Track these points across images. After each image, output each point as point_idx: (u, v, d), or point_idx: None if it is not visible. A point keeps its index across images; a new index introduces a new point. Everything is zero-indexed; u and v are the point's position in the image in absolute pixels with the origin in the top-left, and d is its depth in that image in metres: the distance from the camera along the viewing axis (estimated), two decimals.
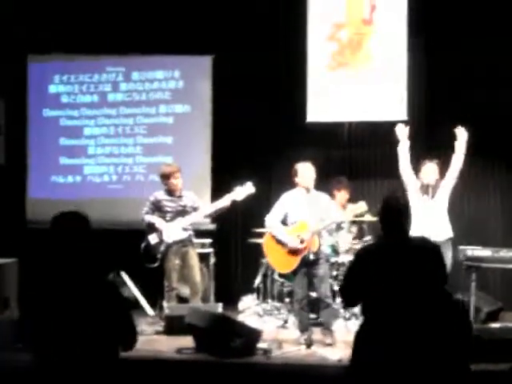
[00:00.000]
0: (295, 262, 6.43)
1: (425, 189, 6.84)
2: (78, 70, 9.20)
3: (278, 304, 7.72)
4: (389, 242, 3.93)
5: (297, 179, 6.61)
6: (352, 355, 3.80)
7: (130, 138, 9.11)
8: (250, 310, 7.87)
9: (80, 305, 3.31)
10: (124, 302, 3.56)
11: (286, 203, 6.61)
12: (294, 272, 6.55)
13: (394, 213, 3.96)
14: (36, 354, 3.37)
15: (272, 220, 6.60)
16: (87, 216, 3.57)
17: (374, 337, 3.69)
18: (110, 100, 9.15)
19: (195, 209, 7.15)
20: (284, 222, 6.64)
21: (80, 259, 3.42)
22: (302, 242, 6.38)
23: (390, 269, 3.74)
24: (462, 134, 6.93)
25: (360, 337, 3.80)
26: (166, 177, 7.16)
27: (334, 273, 7.29)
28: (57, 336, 3.29)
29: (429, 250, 3.89)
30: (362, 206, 6.65)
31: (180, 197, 7.18)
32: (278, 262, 6.63)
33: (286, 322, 7.30)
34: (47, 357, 3.33)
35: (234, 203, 7.12)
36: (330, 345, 6.25)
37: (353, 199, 8.09)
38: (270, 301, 7.82)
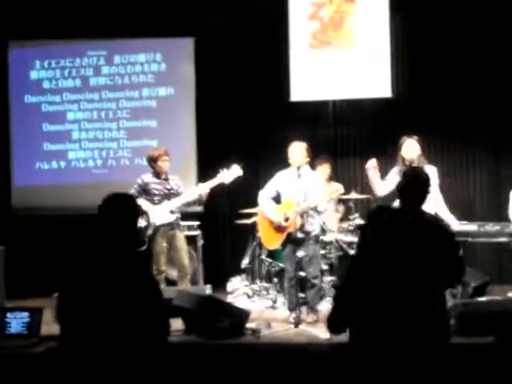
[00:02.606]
0: (280, 238, 6.55)
1: (407, 167, 6.83)
2: (59, 55, 9.11)
3: (266, 284, 7.73)
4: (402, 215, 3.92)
5: (289, 159, 6.64)
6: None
7: (113, 122, 9.06)
8: (238, 291, 7.88)
9: (122, 281, 3.48)
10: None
11: (278, 181, 6.70)
12: (283, 249, 6.64)
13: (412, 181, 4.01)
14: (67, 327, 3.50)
15: (262, 196, 6.71)
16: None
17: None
18: (93, 84, 9.08)
19: (180, 194, 7.15)
20: (278, 200, 6.69)
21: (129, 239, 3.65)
22: (286, 219, 6.43)
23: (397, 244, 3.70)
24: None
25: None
26: (153, 160, 7.17)
27: (322, 251, 7.30)
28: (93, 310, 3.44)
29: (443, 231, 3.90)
30: (338, 188, 6.67)
31: (166, 179, 7.19)
32: (266, 237, 6.77)
33: (274, 302, 7.31)
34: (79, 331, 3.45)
35: (221, 185, 7.12)
36: (312, 323, 6.29)
37: (338, 177, 8.12)
38: (258, 281, 7.83)
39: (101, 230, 3.64)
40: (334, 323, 3.81)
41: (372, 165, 6.93)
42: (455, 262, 3.80)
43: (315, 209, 6.52)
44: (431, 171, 6.93)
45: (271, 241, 6.71)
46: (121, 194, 3.77)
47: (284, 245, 6.57)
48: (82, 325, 3.42)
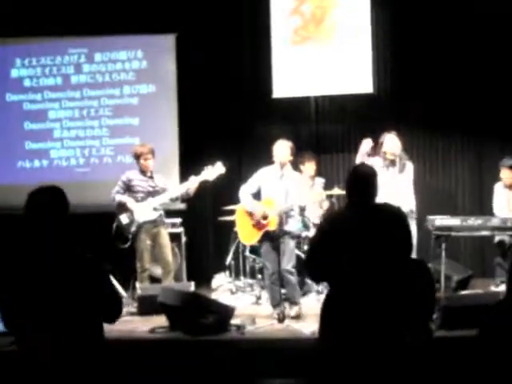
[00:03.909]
0: (257, 235, 6.55)
1: (390, 162, 6.87)
2: (39, 53, 9.06)
3: (250, 281, 7.76)
4: (353, 209, 3.91)
5: (273, 156, 6.64)
6: (320, 327, 3.79)
7: (95, 120, 9.02)
8: (222, 288, 7.89)
9: (61, 280, 3.26)
10: (106, 273, 3.51)
11: (260, 178, 6.66)
12: (260, 246, 6.64)
13: (362, 179, 3.93)
14: (17, 335, 3.35)
15: (243, 191, 6.68)
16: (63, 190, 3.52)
17: (341, 307, 3.68)
18: (74, 82, 9.04)
19: (165, 190, 7.15)
20: (259, 197, 6.69)
21: (60, 234, 3.38)
22: (265, 217, 6.43)
23: (355, 236, 3.72)
24: None
25: (327, 308, 3.79)
26: (136, 157, 7.18)
27: (305, 247, 7.32)
28: (38, 314, 3.25)
29: (394, 215, 3.86)
30: (320, 193, 6.71)
31: (151, 177, 7.19)
32: (243, 232, 6.75)
33: (258, 298, 7.33)
34: (29, 337, 3.30)
35: (205, 182, 7.11)
36: (295, 317, 6.30)
37: (320, 173, 8.14)
38: (242, 278, 7.86)
39: (30, 229, 3.38)
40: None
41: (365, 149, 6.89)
42: (406, 241, 3.80)
43: (300, 209, 6.57)
44: (410, 168, 7.00)
45: (248, 236, 6.70)
46: (48, 187, 3.47)
47: (261, 241, 6.57)
48: (31, 329, 3.31)
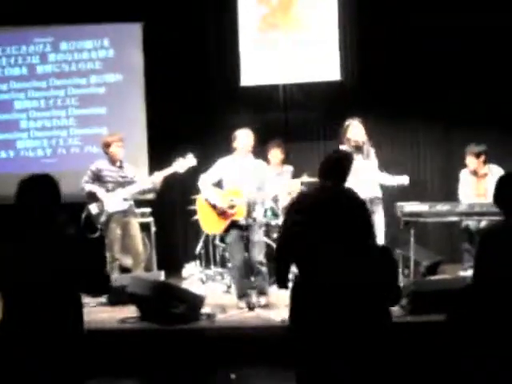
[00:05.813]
0: (223, 224, 6.50)
1: (357, 148, 6.89)
2: (4, 43, 8.96)
3: (220, 269, 7.75)
4: (321, 190, 3.95)
5: (235, 145, 6.61)
6: (289, 311, 3.80)
7: (62, 110, 8.95)
8: (193, 277, 7.87)
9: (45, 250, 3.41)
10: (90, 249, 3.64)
11: (221, 168, 6.62)
12: (228, 235, 6.59)
13: (335, 162, 4.02)
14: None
15: (203, 181, 6.61)
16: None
17: (308, 291, 3.68)
18: (40, 72, 8.95)
19: (134, 182, 7.11)
20: (220, 187, 6.65)
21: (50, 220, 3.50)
22: (232, 207, 6.40)
23: (319, 215, 3.73)
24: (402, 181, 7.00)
25: (295, 292, 3.80)
26: (106, 145, 7.13)
27: (275, 235, 7.31)
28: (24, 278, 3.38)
29: (357, 199, 3.89)
30: (296, 184, 6.73)
31: (121, 167, 7.14)
32: (206, 222, 6.68)
33: (229, 287, 7.30)
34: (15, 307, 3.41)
35: (174, 173, 7.08)
36: (263, 307, 6.27)
37: (289, 161, 8.14)
38: (212, 267, 7.84)
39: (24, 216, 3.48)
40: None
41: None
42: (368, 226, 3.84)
43: (274, 199, 6.62)
44: (371, 153, 7.05)
45: (213, 225, 6.64)
46: (39, 175, 3.55)
47: (227, 231, 6.52)
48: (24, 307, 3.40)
